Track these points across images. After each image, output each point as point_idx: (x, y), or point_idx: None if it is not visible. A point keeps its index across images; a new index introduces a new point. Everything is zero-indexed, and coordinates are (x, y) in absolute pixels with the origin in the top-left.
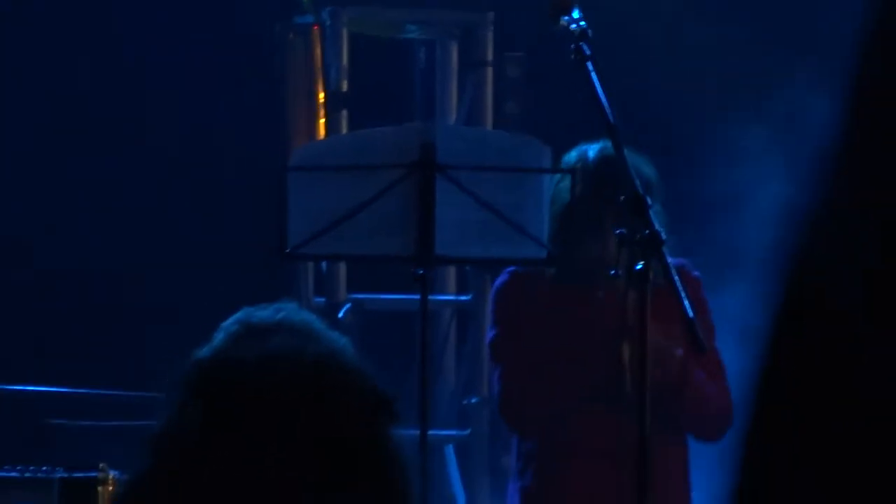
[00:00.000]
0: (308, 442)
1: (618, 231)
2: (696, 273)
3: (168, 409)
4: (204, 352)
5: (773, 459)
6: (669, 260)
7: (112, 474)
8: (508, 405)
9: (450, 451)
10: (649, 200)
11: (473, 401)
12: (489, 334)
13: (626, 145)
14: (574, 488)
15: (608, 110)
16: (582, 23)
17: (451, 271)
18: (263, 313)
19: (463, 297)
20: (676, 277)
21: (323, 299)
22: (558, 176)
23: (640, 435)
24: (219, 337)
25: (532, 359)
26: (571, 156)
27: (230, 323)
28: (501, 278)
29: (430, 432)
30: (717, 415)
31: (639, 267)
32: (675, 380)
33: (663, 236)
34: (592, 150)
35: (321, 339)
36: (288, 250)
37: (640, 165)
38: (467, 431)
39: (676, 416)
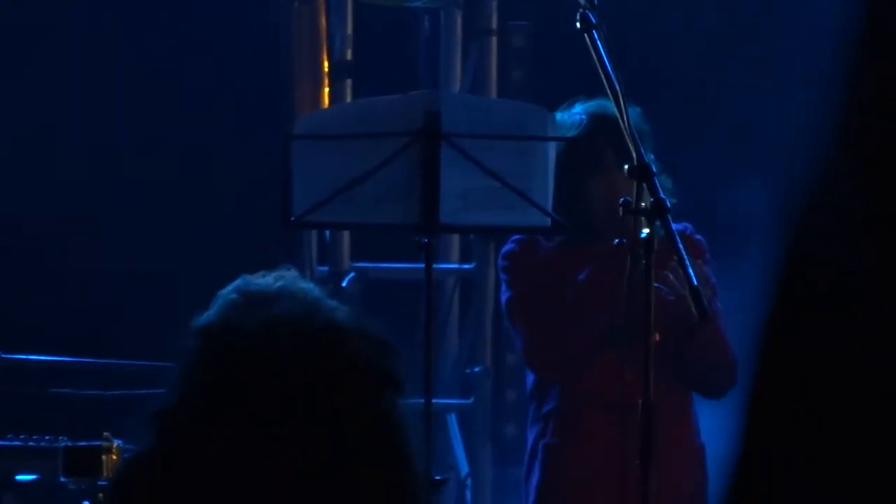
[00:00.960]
0: (313, 415)
1: (622, 199)
2: (699, 237)
3: (171, 383)
4: (204, 320)
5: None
6: (674, 226)
7: (116, 443)
8: (537, 359)
9: (452, 419)
10: (654, 168)
11: (476, 370)
12: (504, 296)
13: (601, 99)
14: (596, 441)
15: (614, 78)
16: None
17: (455, 240)
18: (263, 281)
19: (466, 266)
20: (681, 245)
21: (326, 268)
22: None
23: (644, 385)
24: (217, 304)
25: (550, 314)
26: (557, 115)
27: (229, 291)
28: (508, 246)
29: (434, 401)
30: (727, 365)
31: (644, 234)
32: (696, 321)
33: (668, 204)
34: (578, 107)
35: (322, 308)
36: (292, 219)
37: (633, 117)
38: (470, 400)
39: (690, 363)
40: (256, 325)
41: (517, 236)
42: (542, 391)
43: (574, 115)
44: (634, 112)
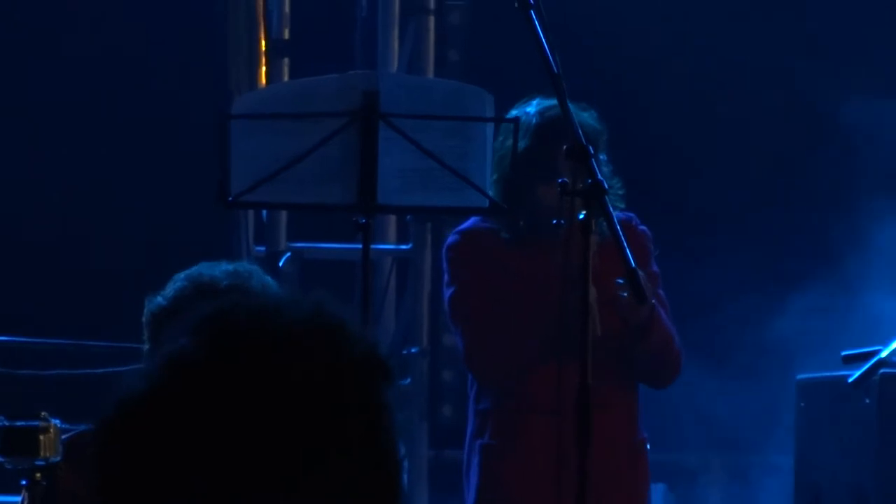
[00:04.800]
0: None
1: (560, 180)
2: (643, 227)
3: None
4: (149, 300)
5: None
6: (617, 214)
7: (53, 423)
8: (475, 358)
9: None
10: (591, 149)
11: (413, 350)
12: (446, 292)
13: (572, 98)
14: (533, 443)
15: (552, 59)
16: None
17: (392, 221)
18: (220, 268)
19: (403, 247)
20: (618, 227)
21: (263, 248)
22: (502, 126)
23: (580, 384)
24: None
25: (493, 312)
26: (513, 113)
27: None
28: (452, 238)
29: None
30: (675, 357)
31: (581, 216)
32: (647, 314)
33: (606, 185)
34: (533, 105)
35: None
36: (230, 198)
37: (586, 118)
38: (407, 381)
39: (639, 358)
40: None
41: (461, 227)
42: (479, 386)
43: (529, 115)
44: (589, 115)
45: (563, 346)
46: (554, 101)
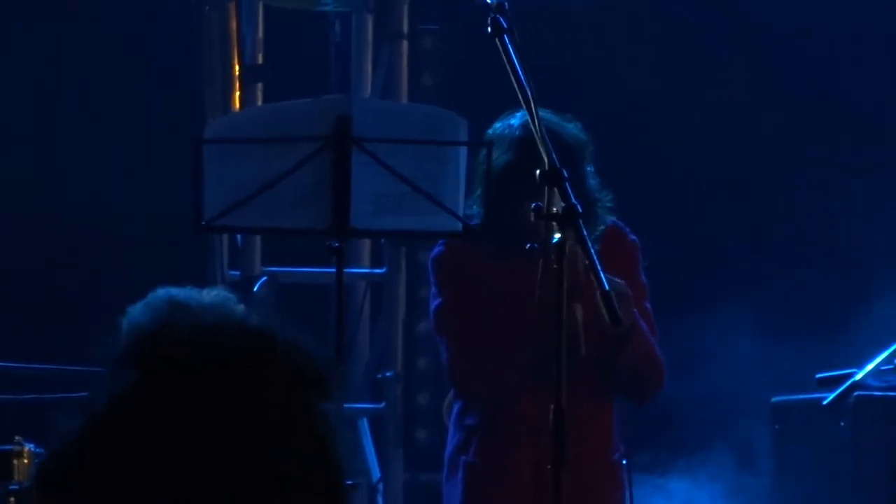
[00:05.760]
0: (240, 417)
1: (534, 204)
2: (633, 237)
3: (101, 382)
4: (134, 324)
5: None
6: (607, 222)
7: (27, 447)
8: (458, 373)
9: (364, 424)
10: (565, 173)
11: (388, 374)
12: (433, 303)
13: (557, 109)
14: (520, 462)
15: (525, 83)
16: None
17: (366, 245)
18: (186, 291)
19: (377, 271)
20: (593, 250)
21: (238, 273)
22: (478, 148)
23: (555, 404)
24: (142, 311)
25: (479, 326)
26: (497, 126)
27: (153, 298)
28: (438, 248)
29: (345, 406)
30: (656, 370)
31: (555, 239)
32: (628, 326)
33: (580, 209)
34: (517, 118)
35: (247, 317)
36: (203, 223)
37: (570, 129)
38: (381, 405)
39: (619, 371)
40: (188, 327)
41: (447, 239)
42: (462, 398)
43: (513, 128)
44: (574, 126)
45: (547, 365)
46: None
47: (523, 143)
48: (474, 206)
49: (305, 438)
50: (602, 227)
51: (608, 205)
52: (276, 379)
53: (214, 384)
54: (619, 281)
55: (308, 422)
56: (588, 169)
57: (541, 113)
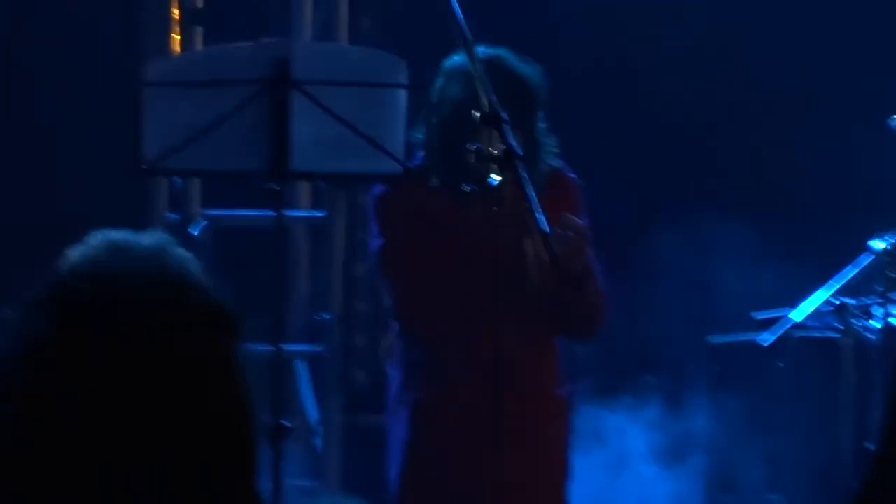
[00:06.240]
0: (150, 358)
1: (474, 146)
2: (573, 175)
3: (18, 325)
4: (58, 268)
5: None
6: (548, 164)
7: None
8: (405, 311)
9: (302, 366)
10: (504, 115)
11: (326, 316)
12: (373, 244)
13: (515, 53)
14: (466, 396)
15: (464, 26)
16: None
17: (305, 187)
18: (123, 234)
19: (317, 213)
20: (532, 193)
21: (177, 215)
22: (442, 71)
23: (495, 342)
24: (76, 255)
25: (423, 265)
26: (455, 59)
27: (88, 241)
28: (379, 188)
29: (283, 348)
30: (600, 309)
31: (495, 182)
32: (582, 267)
33: (519, 151)
34: (480, 52)
35: (172, 259)
36: (144, 165)
37: (529, 72)
38: (320, 347)
39: (569, 311)
40: (104, 272)
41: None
42: (409, 336)
43: (468, 63)
44: (532, 69)
45: (491, 299)
46: (497, 51)
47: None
48: (419, 135)
49: (215, 380)
50: (547, 171)
51: (553, 150)
52: (185, 322)
53: (122, 327)
54: (577, 221)
55: (218, 364)
56: (540, 115)
57: (501, 53)
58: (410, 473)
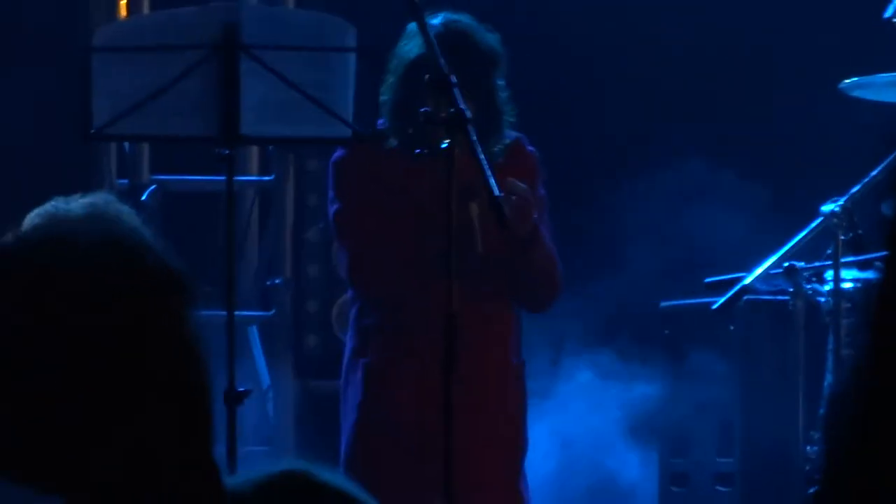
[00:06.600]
0: (99, 323)
1: (423, 109)
2: (532, 148)
3: None
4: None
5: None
6: (507, 136)
7: None
8: (361, 278)
9: (254, 331)
10: (454, 79)
11: (277, 281)
12: (331, 208)
13: (466, 14)
14: (418, 361)
15: None
16: None
17: (255, 152)
18: (72, 204)
19: (266, 178)
20: (482, 156)
21: (126, 181)
22: (407, 31)
23: (447, 304)
24: (28, 222)
25: (378, 229)
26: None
27: (35, 213)
28: (338, 153)
29: (235, 313)
30: (555, 280)
31: (444, 145)
32: (530, 231)
33: (468, 114)
34: (439, 18)
35: (119, 220)
36: (92, 131)
37: (489, 39)
38: (271, 312)
39: (519, 276)
40: (43, 236)
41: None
42: (362, 301)
43: (433, 27)
44: (493, 37)
45: (445, 263)
46: (457, 16)
47: (438, 39)
48: (383, 97)
49: (168, 344)
50: (507, 141)
51: (510, 119)
52: (136, 285)
53: (68, 292)
54: (521, 185)
55: (171, 327)
56: (499, 82)
57: (461, 18)
58: (363, 437)
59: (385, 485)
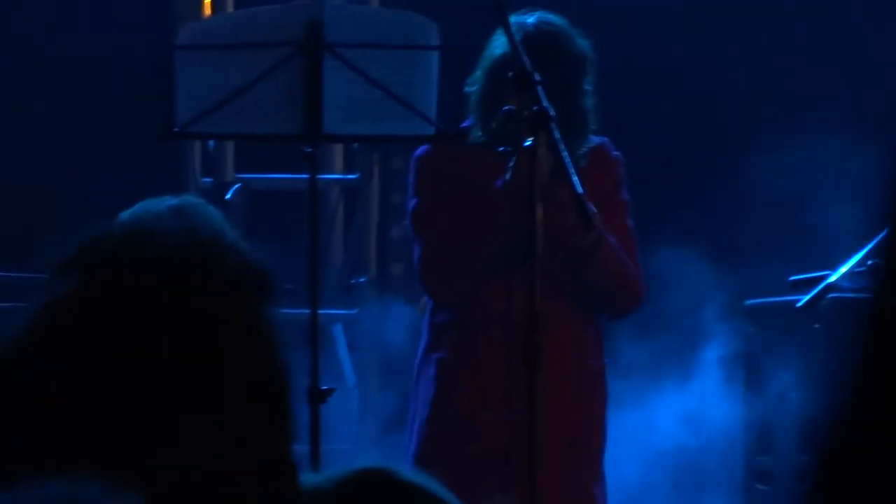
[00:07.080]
0: (181, 318)
1: (506, 108)
2: (616, 153)
3: (43, 287)
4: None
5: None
6: (592, 140)
7: None
8: (430, 276)
9: (338, 329)
10: (537, 76)
11: (361, 280)
12: (410, 203)
13: (562, 16)
14: (489, 358)
15: None
16: None
17: (339, 150)
18: (161, 203)
19: (350, 176)
20: (565, 153)
21: (210, 180)
22: (489, 44)
23: (529, 304)
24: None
25: (453, 226)
26: (512, 19)
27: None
28: (421, 148)
29: (319, 312)
30: (627, 284)
31: (528, 143)
32: (591, 241)
33: (552, 112)
34: (535, 17)
35: (203, 219)
36: (176, 129)
37: (581, 44)
38: (355, 310)
39: (586, 285)
40: (128, 231)
41: None
42: (436, 301)
43: (523, 26)
44: (584, 42)
45: (511, 263)
46: (549, 17)
47: (528, 39)
48: (470, 89)
49: (249, 342)
50: (590, 145)
51: (593, 126)
52: (219, 282)
53: (152, 287)
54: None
55: (252, 325)
56: (586, 87)
57: (554, 20)
58: (434, 434)
59: (458, 482)
